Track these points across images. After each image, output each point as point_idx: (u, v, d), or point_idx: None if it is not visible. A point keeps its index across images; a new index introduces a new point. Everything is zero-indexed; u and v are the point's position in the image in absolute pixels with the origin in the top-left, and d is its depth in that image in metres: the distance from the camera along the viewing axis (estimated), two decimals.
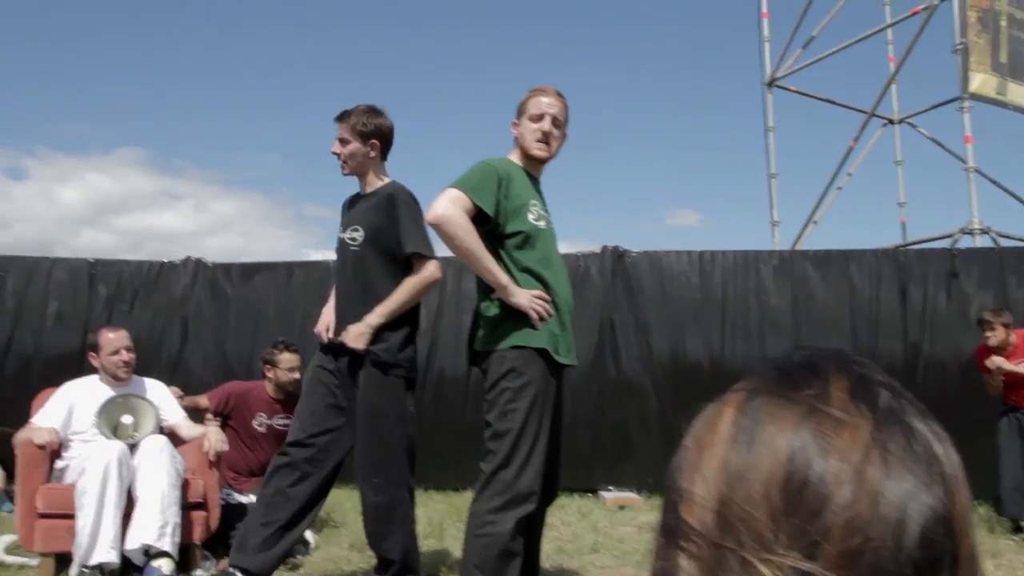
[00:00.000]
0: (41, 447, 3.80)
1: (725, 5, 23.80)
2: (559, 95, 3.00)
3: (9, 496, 5.54)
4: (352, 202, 3.55)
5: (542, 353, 2.79)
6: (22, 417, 4.15)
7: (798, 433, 0.48)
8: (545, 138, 2.96)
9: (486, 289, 2.86)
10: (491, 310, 2.84)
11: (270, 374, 4.93)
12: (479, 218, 2.78)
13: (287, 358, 4.93)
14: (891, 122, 11.94)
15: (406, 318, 3.36)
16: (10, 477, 5.39)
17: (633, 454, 6.63)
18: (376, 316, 3.26)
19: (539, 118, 2.95)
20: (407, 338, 3.38)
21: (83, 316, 7.16)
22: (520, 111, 3.01)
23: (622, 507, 5.95)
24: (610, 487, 6.48)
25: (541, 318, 2.77)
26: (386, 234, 3.32)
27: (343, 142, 3.42)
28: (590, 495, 6.38)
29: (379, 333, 3.27)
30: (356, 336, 3.26)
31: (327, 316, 3.50)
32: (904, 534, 0.45)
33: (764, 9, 11.53)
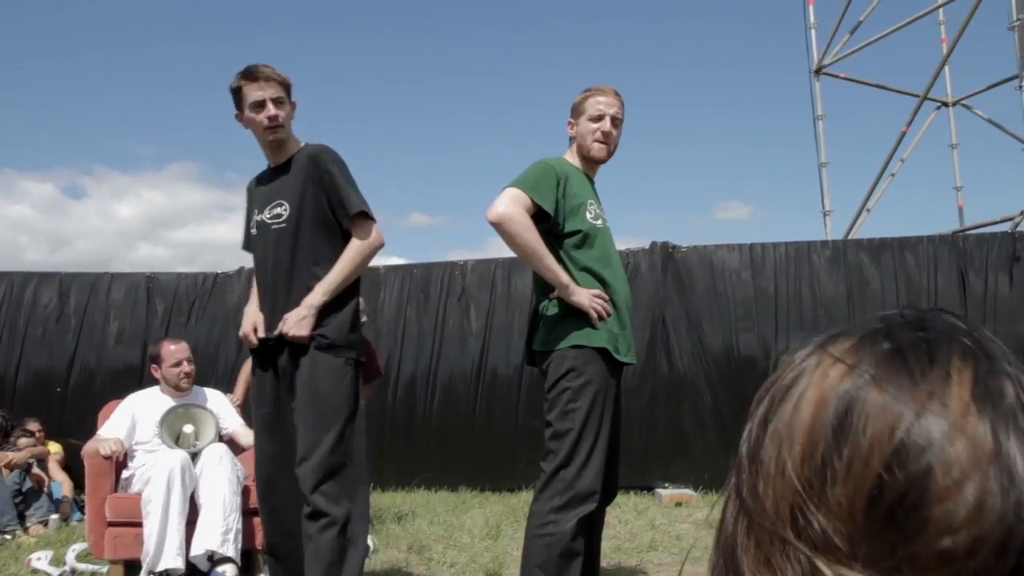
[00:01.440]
0: (107, 457, 3.91)
1: None
2: (616, 94, 2.98)
3: (78, 505, 5.72)
4: (263, 180, 3.10)
5: (602, 352, 2.77)
6: (87, 429, 4.28)
7: (905, 437, 0.43)
8: (605, 139, 2.95)
9: (545, 288, 2.85)
10: (550, 309, 2.83)
11: None
12: (538, 217, 2.77)
13: None
14: (945, 105, 11.64)
15: (350, 293, 2.95)
16: (79, 487, 5.56)
17: (688, 450, 6.56)
18: (319, 295, 2.85)
19: (599, 118, 2.94)
20: (355, 316, 2.96)
21: (142, 329, 7.34)
22: (576, 111, 2.99)
23: (679, 504, 5.89)
24: (666, 484, 6.42)
25: (600, 317, 2.76)
26: (317, 201, 2.91)
27: (280, 103, 2.93)
28: (646, 492, 6.33)
29: (322, 315, 2.85)
30: (297, 322, 2.82)
31: (252, 316, 3.02)
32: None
33: None
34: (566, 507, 2.67)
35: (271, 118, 2.90)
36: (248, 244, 3.20)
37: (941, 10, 10.91)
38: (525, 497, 5.89)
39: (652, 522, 5.20)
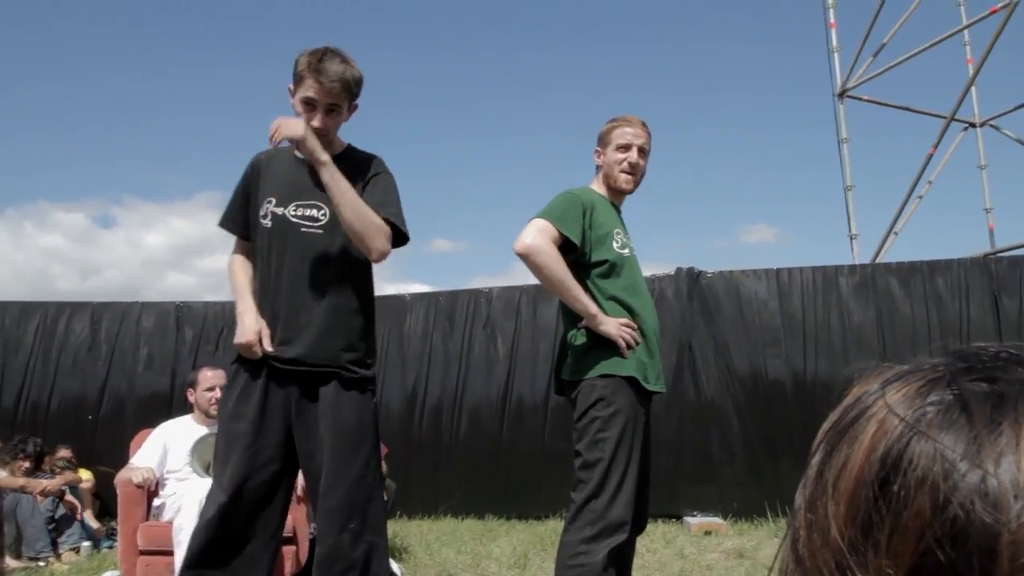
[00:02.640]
0: (139, 486, 3.95)
1: (791, 18, 23.46)
2: (643, 125, 3.00)
3: (111, 533, 5.76)
4: (285, 165, 2.76)
5: (631, 381, 2.77)
6: (118, 456, 4.32)
7: (961, 511, 0.38)
8: (632, 169, 2.97)
9: (573, 318, 2.86)
10: (579, 339, 2.83)
11: None
12: (565, 247, 2.79)
13: None
14: (972, 125, 11.55)
15: (372, 322, 2.77)
16: (109, 514, 5.61)
17: (717, 478, 6.49)
18: (331, 164, 2.56)
19: (626, 148, 2.96)
20: (373, 345, 2.78)
21: (171, 357, 7.42)
22: (603, 140, 3.01)
23: (707, 532, 5.82)
24: (695, 512, 6.35)
25: (629, 346, 2.76)
26: None
27: (333, 111, 2.64)
28: (674, 520, 6.27)
29: (346, 346, 2.64)
30: (297, 123, 2.54)
31: (255, 321, 2.66)
32: None
33: (832, 19, 11.33)
34: (597, 538, 2.65)
35: (316, 130, 2.60)
36: (236, 222, 2.84)
37: (966, 31, 10.87)
38: (552, 525, 5.85)
39: (681, 551, 5.14)
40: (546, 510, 6.32)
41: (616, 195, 3.04)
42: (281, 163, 2.77)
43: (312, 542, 4.20)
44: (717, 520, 6.11)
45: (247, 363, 2.66)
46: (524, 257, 2.75)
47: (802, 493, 0.48)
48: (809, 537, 0.45)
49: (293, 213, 2.65)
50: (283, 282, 2.65)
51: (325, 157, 2.56)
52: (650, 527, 5.81)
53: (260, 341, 2.62)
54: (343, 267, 2.66)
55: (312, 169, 2.62)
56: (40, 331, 7.45)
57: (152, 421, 4.43)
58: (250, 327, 2.63)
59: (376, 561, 2.61)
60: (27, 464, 5.87)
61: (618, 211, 3.05)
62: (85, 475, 6.35)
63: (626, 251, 2.92)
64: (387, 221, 2.62)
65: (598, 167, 3.05)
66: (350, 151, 2.74)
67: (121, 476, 4.04)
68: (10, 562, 4.98)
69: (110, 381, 7.37)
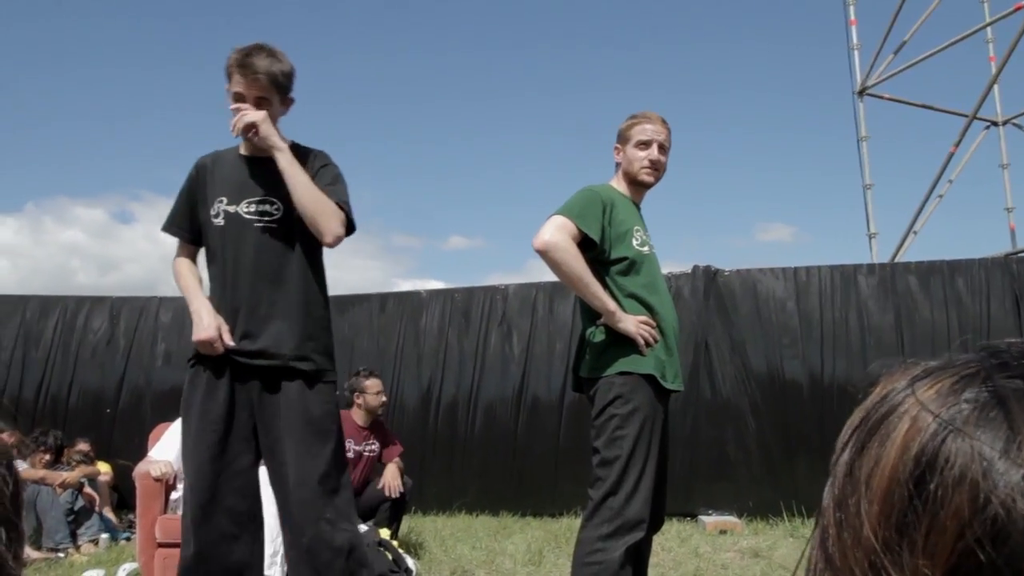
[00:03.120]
0: (157, 480, 3.99)
1: (811, 15, 23.31)
2: (663, 122, 2.99)
3: (129, 526, 5.82)
4: (231, 165, 2.78)
5: (649, 379, 2.76)
6: (135, 449, 4.36)
7: (1003, 509, 0.37)
8: (653, 165, 2.96)
9: (592, 316, 2.85)
10: (597, 336, 2.83)
11: (359, 401, 5.06)
12: (584, 244, 2.78)
13: (373, 383, 5.09)
14: (995, 124, 11.43)
15: (328, 313, 2.80)
16: (129, 508, 5.66)
17: (732, 477, 6.47)
18: (289, 155, 2.62)
19: (646, 145, 2.95)
20: (331, 334, 2.80)
21: (188, 352, 7.44)
22: (623, 138, 3.00)
23: (723, 531, 5.80)
24: (710, 511, 6.33)
25: (648, 344, 2.75)
26: None
27: (262, 102, 2.64)
28: (689, 519, 6.25)
29: (307, 338, 2.66)
30: (263, 122, 2.60)
31: (213, 317, 2.65)
32: None
33: (852, 16, 11.25)
34: (614, 535, 2.65)
35: (244, 122, 2.61)
36: (181, 227, 2.85)
37: (989, 28, 10.75)
38: (567, 523, 5.85)
39: (696, 550, 5.13)
40: (561, 507, 6.31)
41: (636, 192, 3.03)
42: (227, 164, 2.80)
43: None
44: (732, 519, 6.08)
45: (207, 360, 2.66)
46: (543, 253, 2.75)
47: (830, 491, 0.47)
48: (839, 536, 0.45)
49: (246, 210, 2.68)
50: (241, 277, 2.66)
51: (282, 144, 2.62)
52: (665, 525, 5.77)
53: (220, 337, 2.61)
54: (299, 259, 2.68)
55: (259, 167, 2.69)
56: (60, 325, 7.53)
57: (169, 415, 4.46)
58: (208, 323, 2.62)
59: (358, 548, 2.65)
60: (47, 456, 5.93)
61: (638, 208, 3.04)
62: (103, 468, 6.41)
63: (645, 248, 2.91)
64: (338, 206, 2.65)
65: (617, 164, 3.04)
66: (294, 147, 2.75)
67: (140, 470, 4.07)
68: (30, 553, 5.04)
69: (128, 375, 7.43)
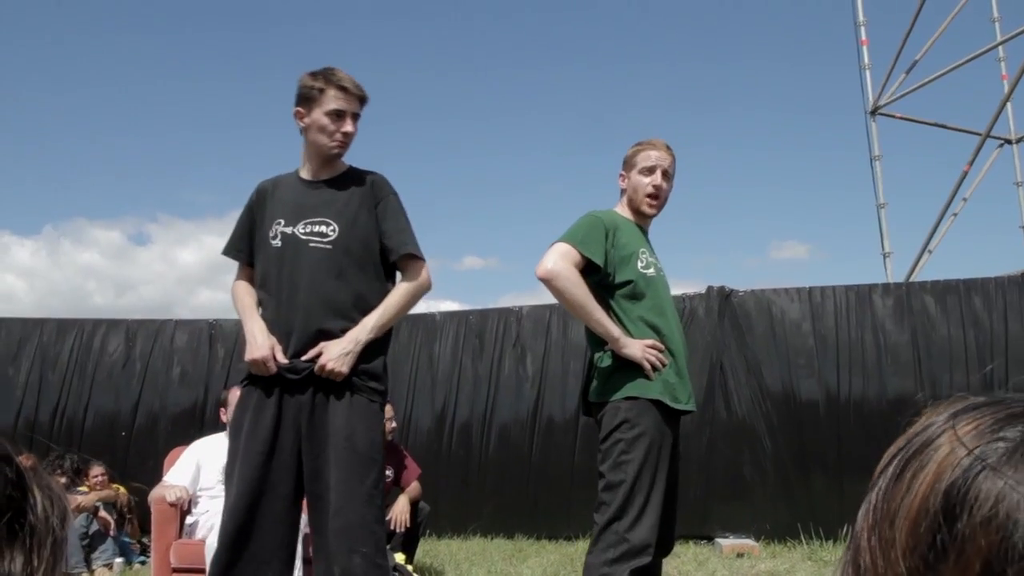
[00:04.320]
0: (173, 504, 3.99)
1: (823, 35, 23.34)
2: (668, 148, 3.01)
3: (144, 550, 5.82)
4: (290, 188, 2.83)
5: (656, 403, 2.75)
6: (150, 471, 4.37)
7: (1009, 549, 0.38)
8: (656, 192, 2.97)
9: (599, 340, 2.85)
10: (604, 361, 2.83)
11: None
12: (588, 269, 2.79)
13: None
14: (1008, 142, 11.39)
15: (388, 337, 2.79)
16: (144, 531, 5.66)
17: (749, 498, 6.41)
18: (366, 330, 2.63)
19: (650, 171, 2.96)
20: (386, 361, 2.78)
21: (204, 374, 7.50)
22: (628, 164, 3.02)
23: (740, 555, 5.75)
24: (726, 534, 6.27)
25: (655, 368, 2.75)
26: (368, 229, 2.73)
27: (357, 120, 2.77)
28: (705, 542, 6.19)
29: (360, 354, 2.64)
30: (340, 356, 2.58)
31: (267, 337, 2.67)
32: None
33: (863, 37, 11.27)
34: (620, 560, 2.64)
35: (346, 134, 2.72)
36: (241, 249, 2.91)
37: (1001, 47, 10.75)
38: (582, 546, 5.80)
39: (713, 574, 5.08)
40: (576, 531, 6.27)
41: (641, 217, 3.04)
42: (287, 187, 2.84)
43: (306, 562, 4.18)
44: (750, 542, 6.02)
45: (260, 380, 2.67)
46: (545, 282, 2.77)
47: (865, 517, 0.48)
48: (873, 562, 0.45)
49: (302, 231, 2.71)
50: (296, 297, 2.67)
51: (364, 340, 2.64)
52: (681, 548, 5.76)
53: (274, 356, 2.63)
54: (355, 280, 2.70)
55: (317, 189, 2.77)
56: (76, 348, 7.57)
57: (184, 439, 4.48)
58: (263, 343, 2.65)
59: None
60: (64, 479, 5.95)
61: (644, 232, 3.05)
62: (122, 489, 6.42)
63: (651, 271, 2.91)
64: (412, 256, 2.76)
65: (623, 191, 3.06)
66: (352, 171, 2.83)
67: (155, 494, 4.08)
68: None
69: (143, 398, 7.46)
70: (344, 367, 2.58)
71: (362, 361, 2.63)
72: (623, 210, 3.03)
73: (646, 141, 3.02)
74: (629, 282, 2.84)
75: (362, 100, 2.76)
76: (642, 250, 2.91)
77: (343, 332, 2.64)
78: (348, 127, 2.71)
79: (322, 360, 2.58)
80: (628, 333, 2.79)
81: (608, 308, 2.81)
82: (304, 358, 2.63)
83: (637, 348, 2.75)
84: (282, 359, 2.64)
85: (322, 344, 2.61)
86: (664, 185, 2.98)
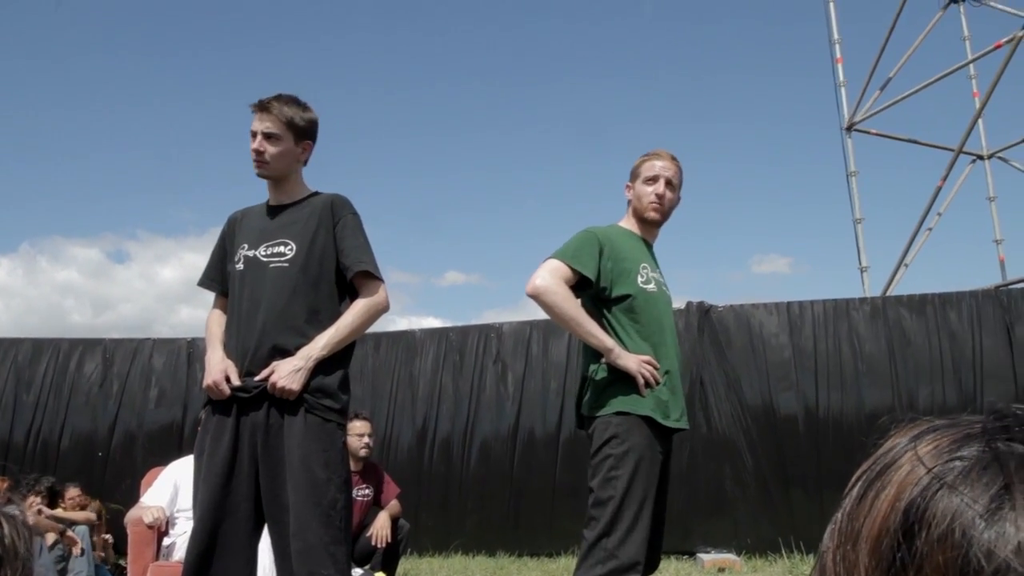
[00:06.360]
0: (150, 526, 3.94)
1: (799, 53, 23.64)
2: (673, 159, 3.02)
3: (121, 572, 5.73)
4: (257, 215, 2.89)
5: (647, 420, 2.75)
6: (126, 492, 4.31)
7: (981, 554, 0.39)
8: (659, 200, 2.97)
9: (594, 353, 2.84)
10: (599, 374, 2.82)
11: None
12: (582, 284, 2.79)
13: (357, 425, 4.87)
14: (980, 158, 11.58)
15: (346, 355, 2.77)
16: (122, 553, 5.58)
17: (730, 513, 6.43)
18: (319, 348, 2.62)
19: (653, 180, 2.97)
20: (345, 378, 2.74)
21: (182, 394, 7.44)
22: (633, 175, 3.03)
23: (721, 570, 5.75)
24: (708, 548, 6.28)
25: (648, 384, 2.75)
26: (326, 249, 2.75)
27: (270, 137, 2.75)
28: (687, 557, 6.19)
29: (314, 372, 2.62)
30: (290, 373, 2.56)
31: (220, 363, 2.69)
32: None
33: (838, 55, 11.44)
34: None
35: (255, 151, 2.75)
36: (214, 279, 2.94)
37: (972, 65, 10.94)
38: (564, 563, 5.79)
39: None
40: (558, 547, 6.25)
41: (647, 229, 3.04)
42: (254, 215, 2.89)
43: None
44: (731, 557, 6.03)
45: (218, 404, 2.67)
46: (535, 298, 2.77)
47: (831, 537, 0.49)
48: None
49: (263, 253, 2.75)
50: (255, 316, 2.68)
51: (315, 358, 2.62)
52: (663, 564, 5.73)
53: (227, 379, 2.63)
54: (309, 297, 2.70)
55: (279, 212, 2.82)
56: (52, 368, 7.49)
57: (162, 459, 4.43)
58: (216, 367, 2.66)
59: None
60: (40, 501, 5.86)
61: (649, 247, 3.05)
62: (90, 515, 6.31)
63: (651, 286, 2.90)
64: (368, 273, 2.74)
65: (629, 201, 3.06)
66: (315, 195, 2.86)
67: (132, 515, 4.03)
68: None
69: (120, 418, 7.38)
70: (295, 384, 2.56)
71: (319, 376, 2.62)
72: (628, 223, 3.04)
73: (652, 152, 3.03)
74: (627, 296, 2.84)
75: (283, 119, 2.74)
76: (643, 265, 2.90)
77: (297, 349, 2.63)
78: (253, 144, 2.75)
79: (272, 378, 2.57)
80: (624, 347, 2.78)
81: (605, 322, 2.81)
82: (257, 378, 2.61)
83: (632, 361, 2.74)
84: (236, 380, 2.63)
85: (274, 363, 2.60)
86: (668, 194, 2.98)
